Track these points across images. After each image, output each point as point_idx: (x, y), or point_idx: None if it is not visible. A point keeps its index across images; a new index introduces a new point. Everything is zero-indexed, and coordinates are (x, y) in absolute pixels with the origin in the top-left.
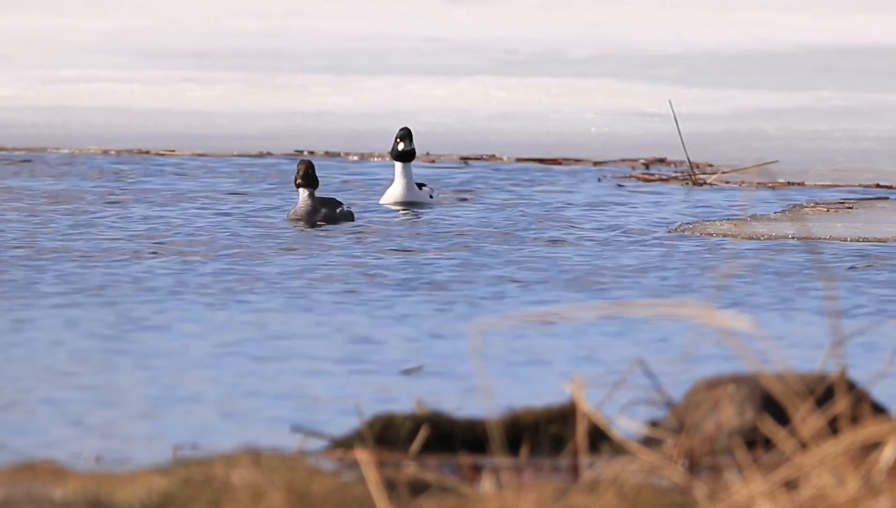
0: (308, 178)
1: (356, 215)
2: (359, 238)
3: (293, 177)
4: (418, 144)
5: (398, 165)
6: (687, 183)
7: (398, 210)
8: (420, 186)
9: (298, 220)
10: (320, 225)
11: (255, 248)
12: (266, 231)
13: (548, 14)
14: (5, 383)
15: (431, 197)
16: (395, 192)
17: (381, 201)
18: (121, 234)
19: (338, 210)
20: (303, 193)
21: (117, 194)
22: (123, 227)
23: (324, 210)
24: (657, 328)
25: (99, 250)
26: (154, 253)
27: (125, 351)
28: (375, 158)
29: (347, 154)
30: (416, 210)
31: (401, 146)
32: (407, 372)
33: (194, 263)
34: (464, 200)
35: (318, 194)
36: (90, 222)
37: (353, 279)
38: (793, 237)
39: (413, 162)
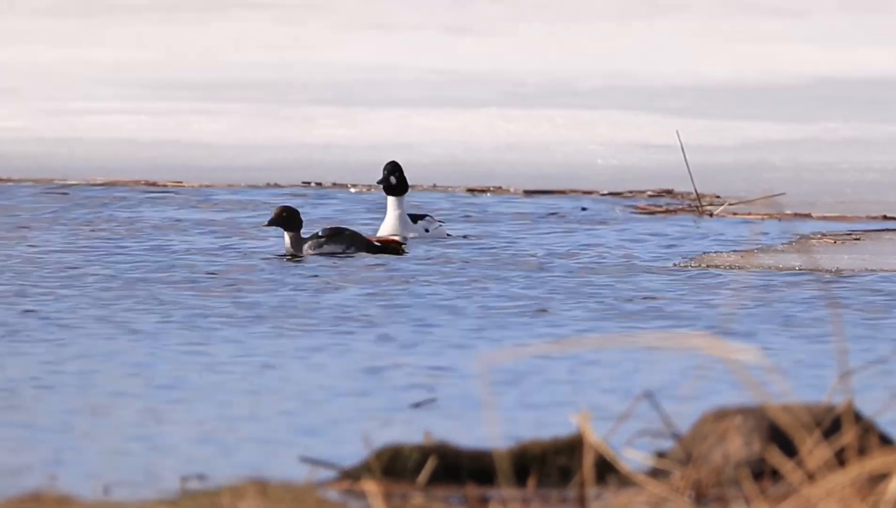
0: (283, 221)
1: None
2: (359, 271)
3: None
4: (425, 176)
5: (391, 200)
6: (694, 214)
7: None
8: (418, 218)
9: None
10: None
11: (249, 280)
12: (255, 264)
13: (554, 46)
14: (10, 410)
15: (427, 231)
16: (387, 226)
17: (378, 235)
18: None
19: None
20: (286, 236)
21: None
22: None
23: (307, 244)
24: (664, 359)
25: (105, 275)
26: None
27: (129, 381)
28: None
29: (355, 185)
30: (411, 244)
31: (392, 180)
32: (418, 405)
33: (192, 295)
34: (465, 236)
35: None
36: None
37: (358, 311)
38: (800, 269)
39: (408, 193)
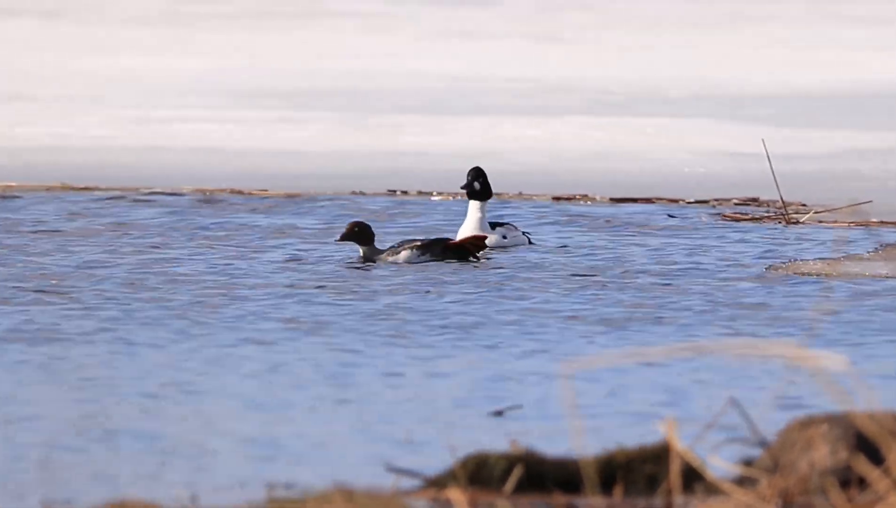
0: (355, 236)
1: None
2: (439, 278)
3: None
4: (512, 184)
5: (472, 204)
6: (780, 222)
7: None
8: (497, 225)
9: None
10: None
11: (331, 288)
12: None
13: (641, 54)
14: (95, 416)
15: (505, 237)
16: (467, 229)
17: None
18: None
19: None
20: (360, 249)
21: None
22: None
23: (385, 253)
24: (750, 367)
25: (170, 284)
26: (244, 292)
27: (215, 388)
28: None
29: (440, 193)
30: (509, 252)
31: (476, 185)
32: (500, 412)
33: (274, 302)
34: (564, 246)
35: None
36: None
37: (444, 318)
38: (886, 276)
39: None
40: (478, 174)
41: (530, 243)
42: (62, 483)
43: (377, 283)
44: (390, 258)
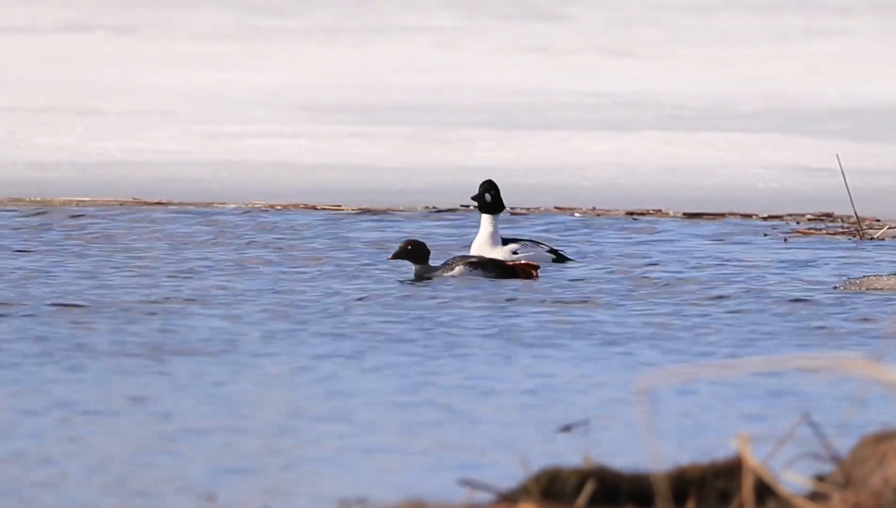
0: (409, 254)
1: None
2: (506, 295)
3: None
4: (584, 199)
5: (484, 217)
6: (854, 237)
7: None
8: (511, 241)
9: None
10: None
11: (402, 303)
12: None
13: (713, 69)
14: (162, 431)
15: (516, 253)
16: (478, 243)
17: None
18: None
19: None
20: (413, 268)
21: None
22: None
23: (440, 270)
24: (823, 382)
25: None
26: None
27: (285, 403)
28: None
29: (514, 208)
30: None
31: (487, 197)
32: (570, 427)
33: (340, 320)
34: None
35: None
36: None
37: (502, 335)
38: None
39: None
40: (489, 187)
41: (560, 258)
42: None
43: (434, 299)
44: (446, 274)
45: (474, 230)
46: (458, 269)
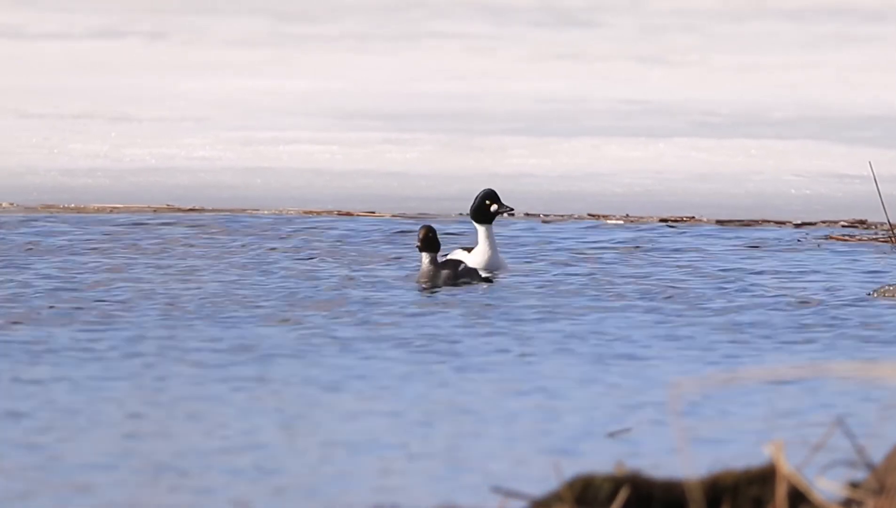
0: (428, 242)
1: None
2: (505, 299)
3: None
4: (617, 206)
5: (483, 229)
6: (888, 244)
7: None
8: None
9: (424, 282)
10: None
11: (427, 308)
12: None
13: (745, 76)
14: (195, 436)
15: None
16: (480, 259)
17: (474, 264)
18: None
19: (460, 268)
20: (424, 257)
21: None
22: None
23: (444, 273)
24: (857, 389)
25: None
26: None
27: (314, 408)
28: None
29: (547, 216)
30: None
31: (493, 208)
32: (613, 434)
33: (366, 326)
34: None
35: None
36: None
37: (519, 343)
38: None
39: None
40: (494, 195)
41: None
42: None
43: (458, 302)
44: (451, 281)
45: (504, 237)
46: (447, 274)
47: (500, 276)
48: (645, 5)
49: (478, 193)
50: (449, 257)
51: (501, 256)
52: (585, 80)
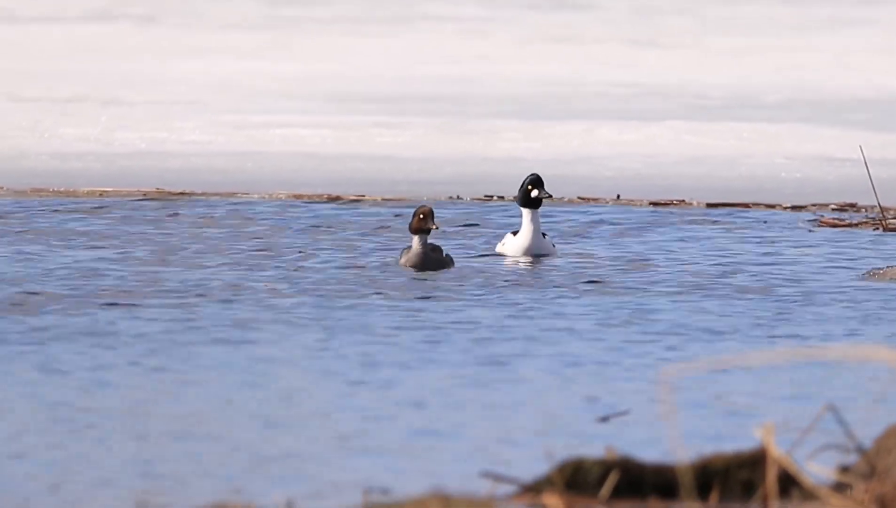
0: (422, 224)
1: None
2: (509, 285)
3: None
4: (608, 189)
5: (527, 212)
6: (877, 228)
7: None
8: (542, 234)
9: (412, 266)
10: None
11: (424, 293)
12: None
13: (738, 59)
14: (186, 421)
15: (553, 246)
16: (523, 243)
17: (506, 251)
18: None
19: (444, 255)
20: (417, 239)
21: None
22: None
23: (434, 257)
24: (847, 372)
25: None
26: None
27: (307, 393)
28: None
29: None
30: (543, 259)
31: (533, 193)
32: (606, 419)
33: (362, 305)
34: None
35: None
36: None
37: (524, 328)
38: None
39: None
40: (536, 180)
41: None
42: (162, 481)
43: (466, 288)
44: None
45: (499, 220)
46: (435, 259)
47: (543, 260)
48: None
49: (524, 178)
50: (501, 241)
51: (547, 239)
52: (579, 63)
